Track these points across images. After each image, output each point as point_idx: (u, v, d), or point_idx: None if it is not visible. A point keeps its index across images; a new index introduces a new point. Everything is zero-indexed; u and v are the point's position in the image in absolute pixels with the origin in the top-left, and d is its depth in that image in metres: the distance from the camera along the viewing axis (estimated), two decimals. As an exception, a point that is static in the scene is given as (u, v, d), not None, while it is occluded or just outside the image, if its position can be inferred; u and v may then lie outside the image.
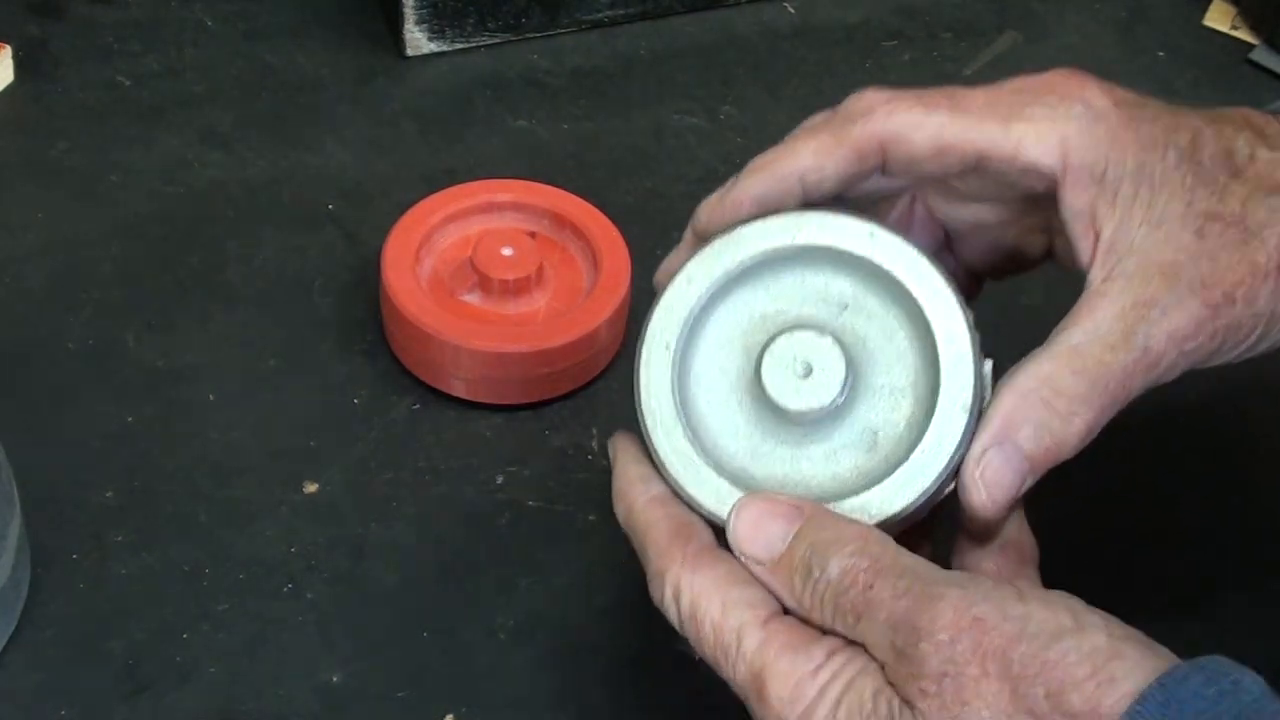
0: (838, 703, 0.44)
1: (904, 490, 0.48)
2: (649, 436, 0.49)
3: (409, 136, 0.78)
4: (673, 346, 0.50)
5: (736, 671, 0.46)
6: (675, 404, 0.49)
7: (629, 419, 0.67)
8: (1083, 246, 0.49)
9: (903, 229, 0.52)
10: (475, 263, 0.67)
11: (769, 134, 0.79)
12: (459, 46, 0.82)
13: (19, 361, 0.66)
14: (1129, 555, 0.64)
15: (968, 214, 0.54)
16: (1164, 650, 0.43)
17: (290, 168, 0.76)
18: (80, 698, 0.56)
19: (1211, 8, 0.90)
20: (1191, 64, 0.87)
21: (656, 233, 0.73)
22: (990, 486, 0.48)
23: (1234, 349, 0.49)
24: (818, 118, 0.52)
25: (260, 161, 0.76)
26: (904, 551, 0.45)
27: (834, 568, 0.45)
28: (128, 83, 0.79)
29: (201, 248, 0.72)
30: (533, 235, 0.69)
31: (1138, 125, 0.50)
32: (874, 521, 0.47)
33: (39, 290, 0.69)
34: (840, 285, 0.50)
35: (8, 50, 0.78)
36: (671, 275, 0.51)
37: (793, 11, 0.87)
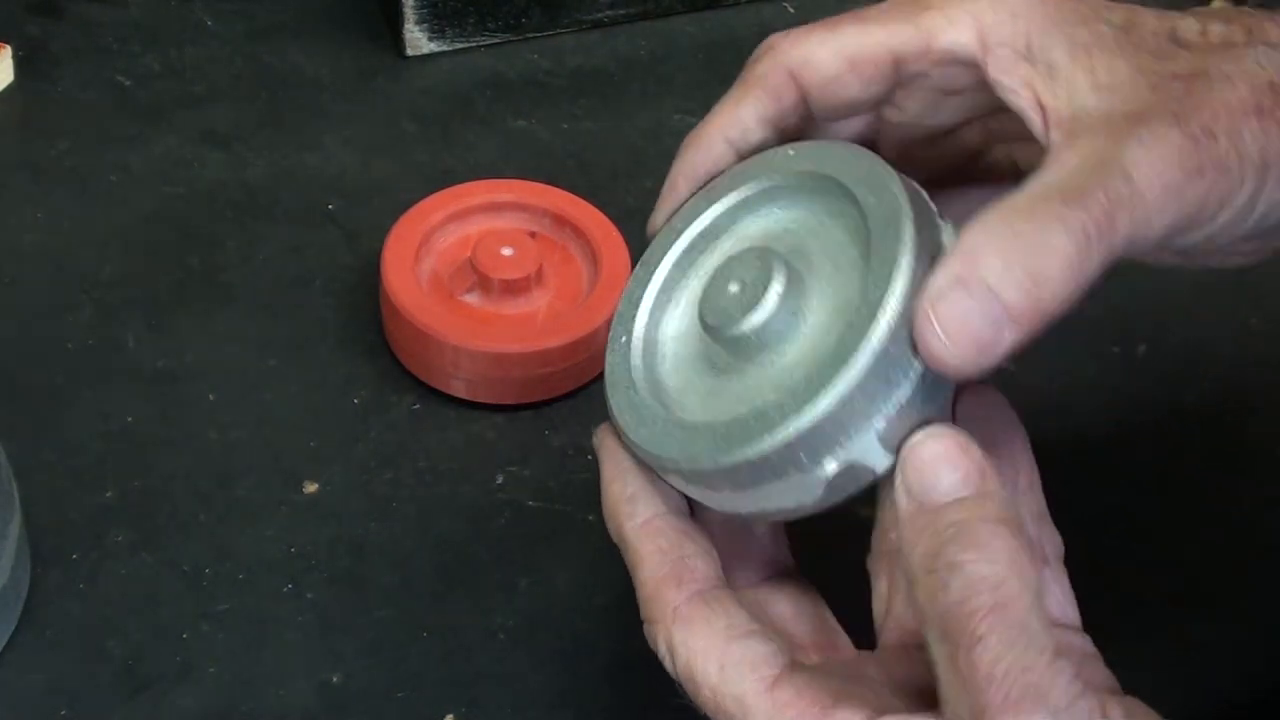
0: None
1: (832, 382, 0.41)
2: (613, 413, 0.46)
3: (409, 136, 0.78)
4: (630, 336, 0.48)
5: None
6: (640, 380, 0.47)
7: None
8: (1034, 121, 0.45)
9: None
10: (475, 263, 0.67)
11: (769, 134, 0.80)
12: (459, 46, 0.82)
13: (19, 361, 0.66)
14: (1121, 568, 0.64)
15: (923, 134, 0.50)
16: None
17: (290, 168, 0.76)
18: (80, 698, 0.56)
19: (1211, 7, 0.90)
20: (1191, 64, 0.87)
21: (656, 233, 0.73)
22: (953, 331, 0.40)
23: (1228, 206, 0.43)
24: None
25: (260, 161, 0.76)
26: (1040, 606, 0.39)
27: (958, 581, 0.39)
28: (128, 83, 0.79)
29: (201, 248, 0.72)
30: (533, 235, 0.69)
31: (1059, 2, 0.46)
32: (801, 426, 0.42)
33: (39, 290, 0.69)
34: (779, 214, 0.47)
35: (8, 50, 0.78)
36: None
37: (793, 11, 0.87)
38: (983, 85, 0.46)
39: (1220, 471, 0.68)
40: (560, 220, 0.70)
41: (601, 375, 0.69)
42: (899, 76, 0.47)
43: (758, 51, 0.49)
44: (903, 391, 0.42)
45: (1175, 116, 0.42)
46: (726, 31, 0.85)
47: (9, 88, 0.78)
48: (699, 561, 0.45)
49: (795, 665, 0.43)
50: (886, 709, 0.42)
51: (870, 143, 0.50)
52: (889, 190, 0.44)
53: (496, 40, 0.83)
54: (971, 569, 0.39)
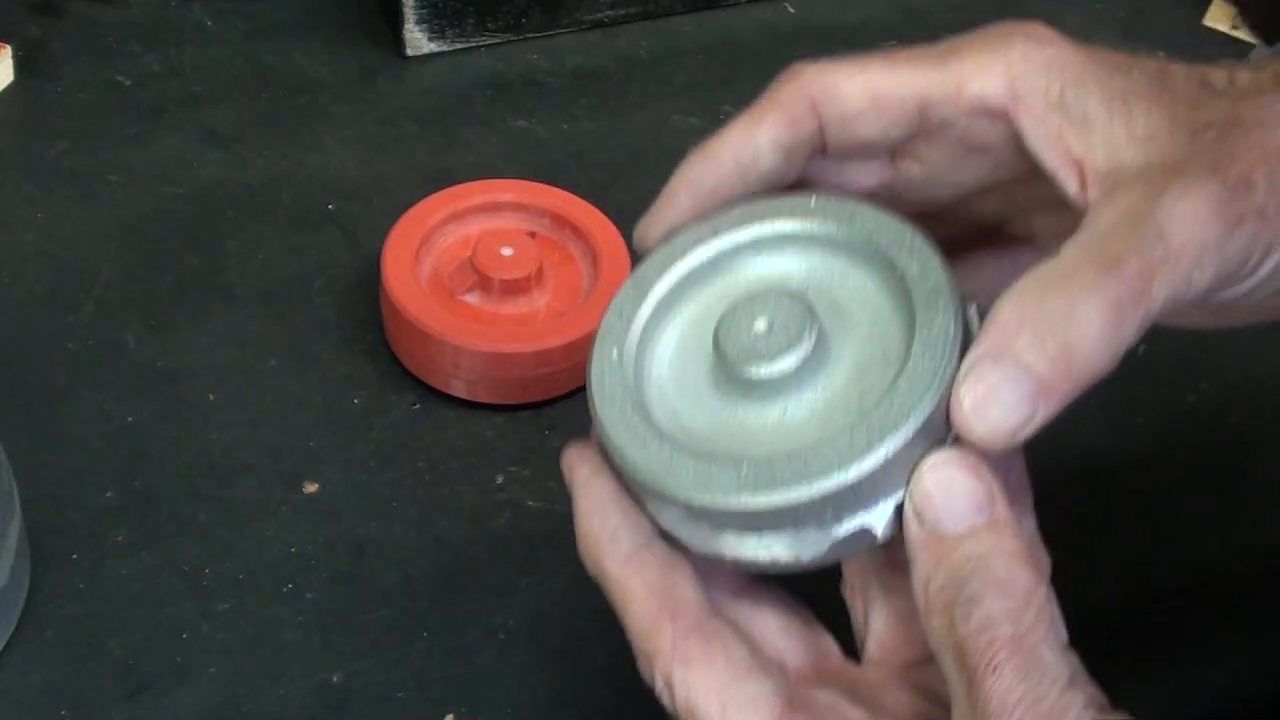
0: None
1: (882, 443, 0.41)
2: (604, 429, 0.44)
3: (409, 136, 0.78)
4: (622, 352, 0.45)
5: None
6: (634, 399, 0.44)
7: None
8: (1066, 179, 0.44)
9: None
10: (475, 263, 0.67)
11: (769, 134, 0.80)
12: (459, 46, 0.82)
13: (19, 361, 0.66)
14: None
15: (942, 194, 0.48)
16: None
17: (290, 168, 0.76)
18: (80, 698, 0.56)
19: (1211, 8, 0.90)
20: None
21: (656, 233, 0.73)
22: (986, 409, 0.40)
23: (1273, 254, 0.42)
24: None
25: (260, 161, 0.76)
26: (1053, 636, 0.40)
27: (979, 612, 0.39)
28: (128, 83, 0.79)
29: (201, 248, 0.72)
30: (533, 235, 0.69)
31: (1091, 52, 0.45)
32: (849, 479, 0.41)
33: (39, 290, 0.69)
34: (801, 262, 0.46)
35: (8, 50, 0.78)
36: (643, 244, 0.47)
37: (793, 11, 0.87)
38: (1010, 143, 0.45)
39: (1221, 472, 0.68)
40: (560, 220, 0.70)
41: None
42: (923, 122, 0.46)
43: (782, 76, 0.47)
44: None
45: (1212, 167, 0.41)
46: (726, 31, 0.85)
47: (9, 88, 0.78)
48: (689, 591, 0.44)
49: (795, 703, 0.43)
50: None
51: (883, 197, 0.48)
52: (931, 259, 0.43)
53: (496, 40, 0.83)
54: (991, 604, 0.39)
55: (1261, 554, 0.65)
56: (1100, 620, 0.62)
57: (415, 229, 0.68)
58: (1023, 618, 0.39)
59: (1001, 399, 0.39)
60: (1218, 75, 0.45)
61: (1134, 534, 0.65)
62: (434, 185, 0.71)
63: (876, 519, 0.42)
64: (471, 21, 0.82)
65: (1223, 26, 0.89)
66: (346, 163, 0.76)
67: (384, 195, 0.75)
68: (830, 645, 0.48)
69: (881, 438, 0.41)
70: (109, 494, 0.62)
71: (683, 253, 0.47)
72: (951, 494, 0.41)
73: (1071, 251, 0.40)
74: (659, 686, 0.43)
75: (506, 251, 0.68)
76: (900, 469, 0.41)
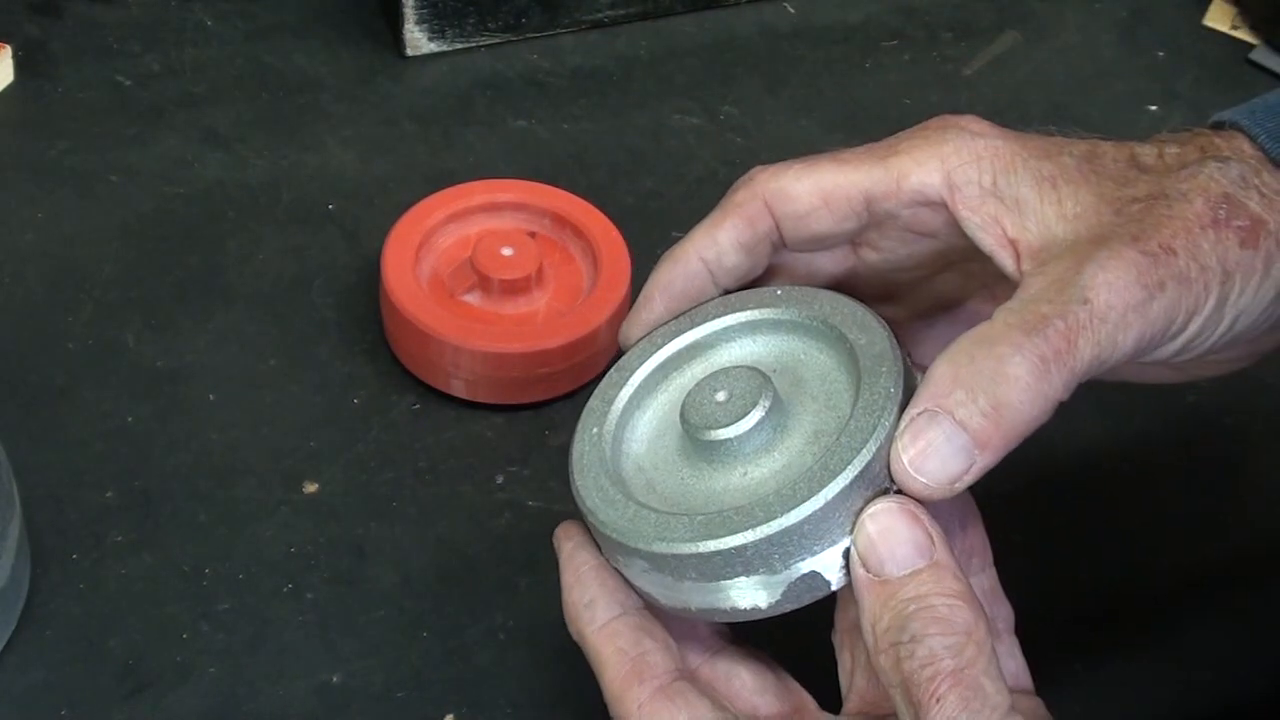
0: None
1: (821, 491, 0.44)
2: (579, 495, 0.48)
3: (409, 136, 0.78)
4: (602, 430, 0.50)
5: None
6: (609, 469, 0.49)
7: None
8: (1003, 259, 0.47)
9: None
10: (475, 263, 0.67)
11: (769, 134, 0.80)
12: (459, 46, 0.82)
13: (19, 361, 0.66)
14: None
15: (902, 276, 0.53)
16: None
17: (290, 168, 0.76)
18: (80, 698, 0.56)
19: (1211, 8, 0.90)
20: (1191, 64, 0.87)
21: (656, 233, 0.73)
22: (923, 463, 0.43)
23: (1197, 315, 0.46)
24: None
25: (260, 161, 0.76)
26: (993, 668, 0.42)
27: (924, 649, 0.42)
28: (128, 83, 0.79)
29: (201, 248, 0.72)
30: (533, 235, 0.69)
31: (1022, 140, 0.48)
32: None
33: (39, 290, 0.69)
34: (767, 342, 0.50)
35: (8, 50, 0.78)
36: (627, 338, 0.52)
37: (793, 11, 0.87)
38: (953, 229, 0.49)
39: (1221, 472, 0.68)
40: (560, 220, 0.70)
41: (600, 376, 0.69)
42: (871, 215, 0.50)
43: (739, 181, 0.51)
44: None
45: (1134, 237, 0.45)
46: (726, 31, 0.85)
47: (9, 88, 0.78)
48: (658, 657, 0.47)
49: None
50: None
51: (849, 282, 0.53)
52: (877, 331, 0.47)
53: (496, 40, 0.83)
54: (933, 641, 0.42)
55: (1261, 554, 0.65)
56: (1100, 619, 0.62)
57: (415, 229, 0.68)
58: (964, 652, 0.42)
59: (938, 452, 0.43)
60: (1146, 151, 0.48)
61: (1134, 534, 0.65)
62: (434, 185, 0.71)
63: (826, 565, 0.45)
64: (471, 21, 0.82)
65: (1223, 26, 0.89)
66: (346, 163, 0.76)
67: (384, 195, 0.75)
68: (806, 700, 0.50)
69: (820, 486, 0.44)
70: (109, 494, 0.62)
71: (662, 343, 0.51)
72: (892, 539, 0.43)
73: (1002, 316, 0.44)
74: None
75: (506, 251, 0.68)
76: (843, 516, 0.44)
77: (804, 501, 0.44)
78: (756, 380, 0.47)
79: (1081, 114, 0.83)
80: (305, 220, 0.74)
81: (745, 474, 0.47)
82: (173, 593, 0.59)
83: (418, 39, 0.81)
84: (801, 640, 0.50)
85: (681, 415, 0.48)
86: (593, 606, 0.48)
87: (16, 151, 0.75)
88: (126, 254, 0.71)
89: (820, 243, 0.51)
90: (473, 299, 0.68)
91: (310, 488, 0.63)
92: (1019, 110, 0.83)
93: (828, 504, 0.44)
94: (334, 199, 0.75)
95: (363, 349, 0.68)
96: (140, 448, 0.64)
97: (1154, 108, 0.84)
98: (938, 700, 0.41)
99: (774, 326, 0.50)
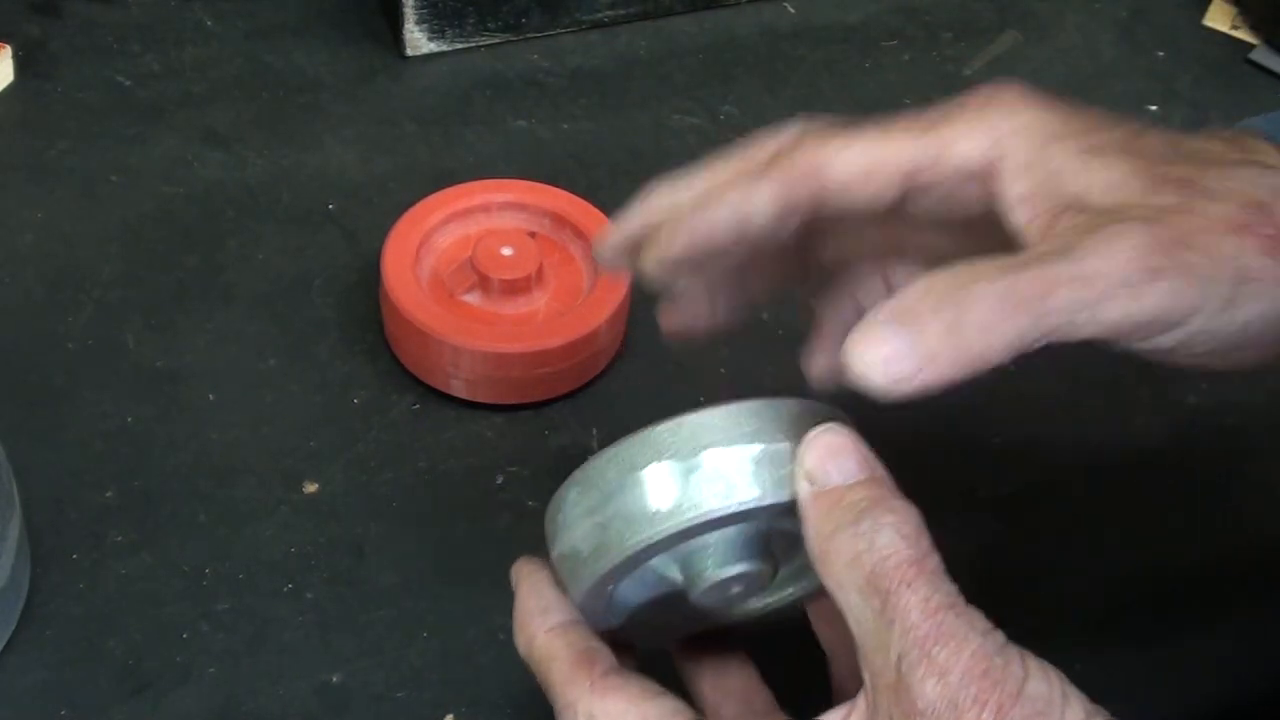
0: None
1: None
2: (554, 549, 0.48)
3: (409, 136, 0.78)
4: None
5: None
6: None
7: (629, 419, 0.67)
8: (1030, 229, 0.46)
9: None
10: (475, 263, 0.67)
11: (769, 134, 0.80)
12: (459, 46, 0.82)
13: (19, 361, 0.66)
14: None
15: (924, 248, 0.52)
16: None
17: (290, 168, 0.76)
18: (80, 698, 0.56)
19: (1211, 8, 0.90)
20: (1191, 64, 0.87)
21: (656, 233, 0.73)
22: (872, 354, 0.42)
23: (1199, 312, 0.44)
24: (734, 159, 0.51)
25: (260, 161, 0.76)
26: (941, 563, 0.43)
27: (884, 537, 0.42)
28: (128, 83, 0.79)
29: (201, 248, 0.72)
30: (533, 235, 0.69)
31: (1073, 114, 0.48)
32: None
33: (39, 290, 0.69)
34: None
35: (8, 50, 0.78)
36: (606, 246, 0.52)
37: (793, 11, 0.87)
38: (990, 201, 0.47)
39: (1220, 472, 0.68)
40: (560, 220, 0.70)
41: (601, 375, 0.69)
42: (910, 186, 0.48)
43: (785, 140, 0.49)
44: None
45: (1149, 220, 0.44)
46: (726, 31, 0.85)
47: (9, 88, 0.78)
48: (607, 655, 0.47)
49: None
50: None
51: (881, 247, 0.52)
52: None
53: (496, 40, 0.83)
54: (895, 528, 0.42)
55: (1261, 554, 0.65)
56: (1100, 620, 0.62)
57: (415, 229, 0.68)
58: (920, 543, 0.42)
59: (891, 347, 0.42)
60: (1192, 141, 0.48)
61: (1133, 534, 0.65)
62: (434, 185, 0.71)
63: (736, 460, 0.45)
64: (471, 21, 0.82)
65: (1223, 26, 0.89)
66: (346, 163, 0.76)
67: (384, 195, 0.75)
68: (768, 698, 0.51)
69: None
70: (109, 494, 0.62)
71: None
72: (836, 454, 0.44)
73: (991, 258, 0.44)
74: None
75: (506, 251, 0.68)
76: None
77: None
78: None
79: (1081, 114, 0.83)
80: (305, 220, 0.74)
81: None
82: (173, 593, 0.59)
83: (418, 39, 0.81)
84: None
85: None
86: (546, 612, 0.48)
87: (16, 151, 0.75)
88: (126, 254, 0.71)
89: (852, 213, 0.49)
90: (473, 299, 0.67)
91: (310, 488, 0.63)
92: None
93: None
94: (334, 199, 0.75)
95: (363, 349, 0.68)
96: (140, 448, 0.64)
97: (1154, 108, 0.84)
98: (908, 584, 0.41)
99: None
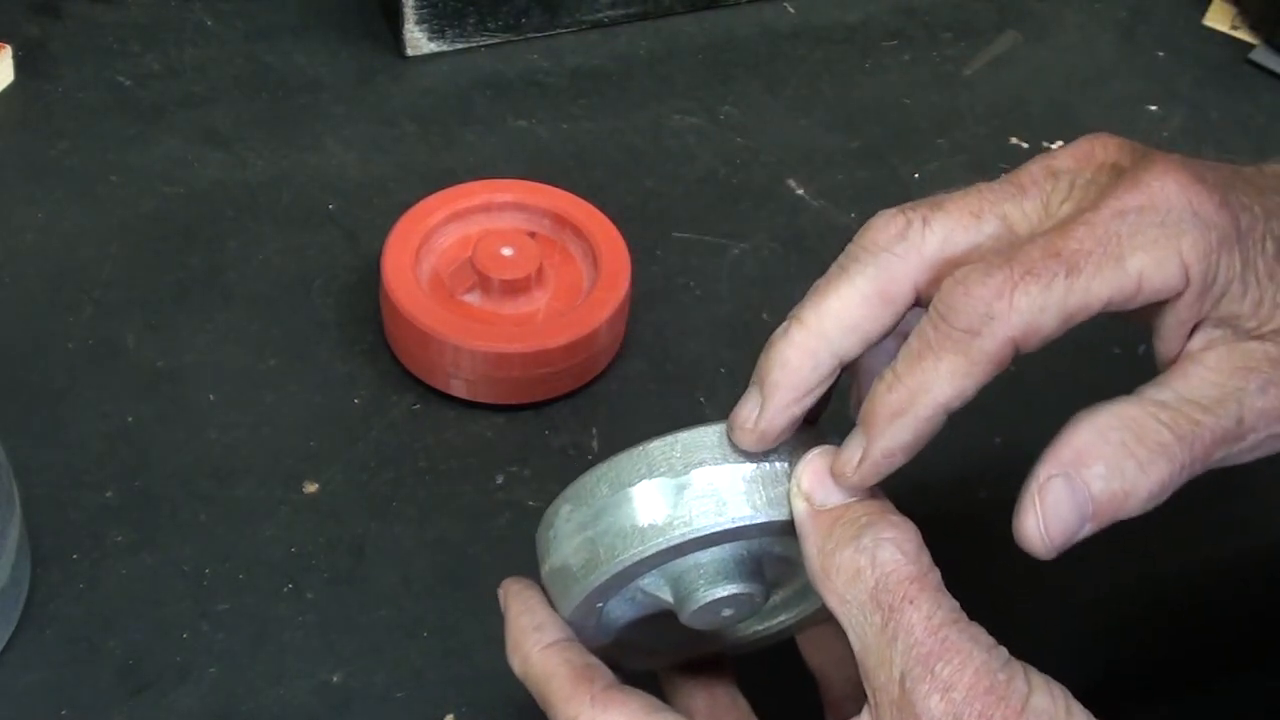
0: None
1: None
2: (545, 565, 0.47)
3: (409, 136, 0.78)
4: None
5: None
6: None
7: (629, 419, 0.67)
8: (1171, 351, 0.46)
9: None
10: (475, 263, 0.67)
11: (769, 134, 0.80)
12: (459, 46, 0.82)
13: (19, 361, 0.66)
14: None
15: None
16: None
17: (290, 168, 0.76)
18: (80, 698, 0.56)
19: (1211, 8, 0.90)
20: (1191, 64, 0.87)
21: (656, 233, 0.73)
22: (1050, 518, 0.43)
23: None
24: (928, 332, 0.44)
25: (260, 161, 0.76)
26: (940, 579, 0.43)
27: (885, 553, 0.42)
28: (128, 83, 0.79)
29: (201, 248, 0.72)
30: (533, 235, 0.69)
31: (1237, 215, 0.45)
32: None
33: (39, 290, 0.69)
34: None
35: (8, 50, 0.78)
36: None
37: (793, 11, 0.87)
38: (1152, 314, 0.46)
39: (1220, 473, 0.68)
40: (560, 220, 0.70)
41: (601, 375, 0.69)
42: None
43: (973, 318, 0.43)
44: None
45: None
46: (726, 31, 0.85)
47: (9, 88, 0.78)
48: (604, 671, 0.47)
49: None
50: None
51: None
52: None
53: (496, 40, 0.83)
54: (896, 544, 0.43)
55: (1261, 555, 0.65)
56: (1100, 623, 0.62)
57: (415, 229, 0.68)
58: (921, 559, 0.42)
59: (1062, 513, 0.44)
60: None
61: (1133, 535, 0.65)
62: (434, 185, 0.71)
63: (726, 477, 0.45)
64: (471, 21, 0.82)
65: (1223, 26, 0.89)
66: (346, 163, 0.76)
67: (384, 195, 0.75)
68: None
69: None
70: (109, 494, 0.62)
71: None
72: (835, 476, 0.44)
73: (1156, 404, 0.45)
74: None
75: (506, 251, 0.68)
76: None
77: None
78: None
79: (1081, 114, 0.83)
80: (305, 220, 0.74)
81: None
82: (173, 593, 0.59)
83: (418, 39, 0.81)
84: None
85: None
86: (542, 628, 0.47)
87: (16, 151, 0.75)
88: (126, 254, 0.71)
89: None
90: (473, 299, 0.67)
91: (310, 488, 0.63)
92: (1019, 110, 0.83)
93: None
94: (334, 199, 0.75)
95: (363, 349, 0.68)
96: (140, 448, 0.64)
97: (1154, 108, 0.84)
98: (911, 601, 0.41)
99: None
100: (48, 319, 0.68)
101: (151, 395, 0.66)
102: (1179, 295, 0.44)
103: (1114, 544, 0.64)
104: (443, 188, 0.71)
